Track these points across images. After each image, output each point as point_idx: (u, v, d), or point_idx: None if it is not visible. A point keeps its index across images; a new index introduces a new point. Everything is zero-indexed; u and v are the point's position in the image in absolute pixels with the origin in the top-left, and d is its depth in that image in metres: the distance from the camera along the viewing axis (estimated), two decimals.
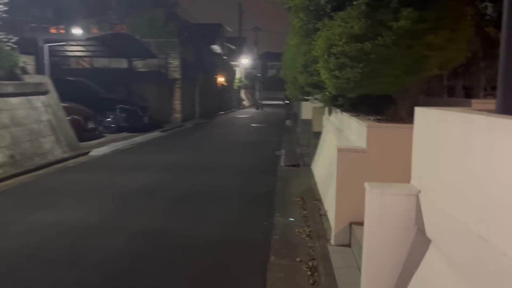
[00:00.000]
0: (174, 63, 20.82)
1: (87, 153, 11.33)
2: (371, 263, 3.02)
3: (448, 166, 2.44)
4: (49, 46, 13.94)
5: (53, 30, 20.60)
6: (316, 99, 11.91)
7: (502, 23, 2.22)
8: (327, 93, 6.50)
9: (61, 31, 20.44)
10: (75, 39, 16.08)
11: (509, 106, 2.26)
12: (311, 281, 4.20)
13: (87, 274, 4.22)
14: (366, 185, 3.09)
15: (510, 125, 1.84)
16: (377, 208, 2.98)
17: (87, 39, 15.78)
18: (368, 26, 4.35)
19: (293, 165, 10.13)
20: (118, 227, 5.63)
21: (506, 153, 1.86)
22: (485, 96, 5.34)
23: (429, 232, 2.68)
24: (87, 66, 21.11)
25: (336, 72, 4.78)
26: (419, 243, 2.84)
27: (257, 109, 27.79)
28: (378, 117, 5.23)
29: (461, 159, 2.26)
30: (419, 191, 2.91)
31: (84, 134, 13.02)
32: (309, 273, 4.37)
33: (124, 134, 15.30)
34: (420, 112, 2.98)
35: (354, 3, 4.65)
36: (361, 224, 4.76)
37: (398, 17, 4.21)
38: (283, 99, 27.97)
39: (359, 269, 4.24)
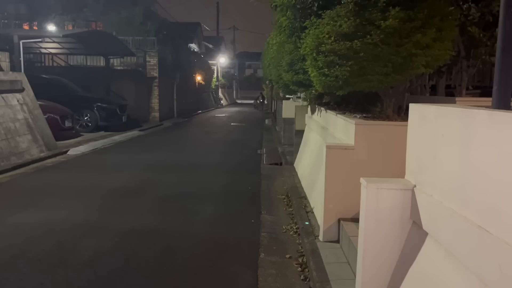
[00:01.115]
0: (152, 61, 20.57)
1: (65, 152, 11.07)
2: (368, 256, 3.07)
3: (447, 160, 2.51)
4: (23, 42, 13.55)
5: (26, 27, 20.05)
6: (298, 97, 12.02)
7: (498, 23, 2.29)
8: (313, 91, 6.56)
9: (34, 27, 19.93)
10: (52, 35, 15.68)
11: (504, 103, 2.35)
12: (302, 277, 4.23)
13: (77, 273, 4.14)
14: (362, 180, 3.14)
15: (511, 118, 1.92)
16: (373, 203, 3.03)
17: (64, 36, 15.41)
18: (357, 25, 4.42)
19: (276, 164, 10.18)
20: (105, 227, 5.53)
21: (508, 145, 1.93)
22: (466, 95, 5.50)
23: (426, 225, 2.74)
24: (62, 64, 20.62)
25: (325, 70, 4.83)
26: (415, 237, 2.90)
27: (255, 108, 29.57)
28: (365, 115, 5.32)
29: (461, 152, 2.33)
30: (415, 186, 2.98)
31: (61, 133, 12.75)
32: (299, 269, 4.41)
33: (102, 133, 15.05)
34: (415, 109, 3.04)
35: (342, 1, 4.72)
36: (349, 220, 4.86)
37: (387, 16, 4.29)
38: (255, 98, 27.27)
39: (349, 264, 4.30)
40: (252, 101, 36.82)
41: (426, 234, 2.76)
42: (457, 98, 4.96)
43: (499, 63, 2.34)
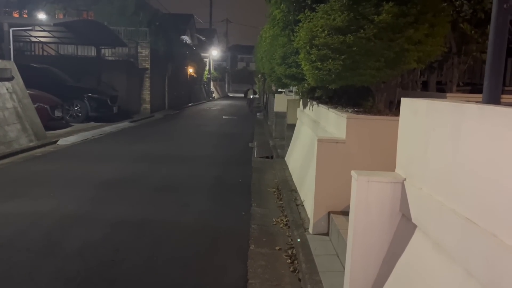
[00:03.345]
0: (144, 52, 20.40)
1: (54, 142, 10.98)
2: (357, 249, 3.10)
3: (437, 154, 2.54)
4: (13, 31, 13.33)
5: (15, 15, 19.75)
6: (291, 91, 12.03)
7: (490, 20, 2.31)
8: (305, 84, 6.57)
9: (24, 15, 19.63)
10: (42, 24, 15.45)
11: (495, 98, 2.38)
12: (291, 268, 4.27)
13: (67, 264, 4.12)
14: (353, 173, 3.16)
15: (502, 113, 1.94)
16: (363, 195, 3.06)
17: (55, 25, 15.20)
18: (351, 19, 4.43)
19: (267, 157, 10.20)
20: (96, 217, 5.51)
21: (497, 139, 1.96)
22: (457, 91, 5.54)
23: (415, 218, 2.78)
24: (52, 53, 20.36)
25: (318, 63, 4.84)
26: (404, 229, 2.94)
27: (249, 107, 24.75)
28: (356, 109, 5.34)
29: (452, 146, 2.36)
30: (405, 179, 3.01)
31: (50, 123, 12.63)
32: (289, 261, 4.44)
33: (93, 123, 14.94)
34: (406, 103, 3.07)
35: None
36: (339, 213, 4.90)
37: (380, 11, 4.31)
38: (245, 92, 26.03)
39: (338, 256, 4.34)
40: (257, 96, 33.58)
41: (415, 226, 2.80)
42: (447, 94, 5.01)
43: (490, 59, 2.36)
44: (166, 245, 4.70)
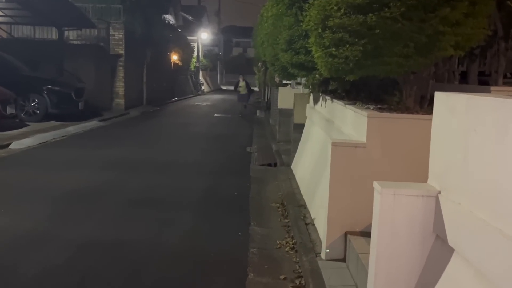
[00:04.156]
0: (117, 35, 20.46)
1: (7, 145, 10.99)
2: (381, 278, 3.10)
3: (480, 160, 2.55)
4: None
5: None
6: (298, 84, 12.06)
7: None
8: (317, 75, 6.59)
9: None
10: None
11: None
12: None
13: None
14: (376, 184, 3.17)
15: None
16: (388, 212, 3.07)
17: (7, 1, 15.24)
18: None
19: (269, 164, 10.22)
20: (57, 237, 5.52)
21: None
22: (504, 84, 5.57)
23: (452, 240, 2.78)
24: (4, 35, 20.38)
25: (332, 49, 4.86)
26: (439, 254, 2.95)
27: (245, 107, 22.75)
28: (380, 106, 5.36)
29: (498, 151, 2.37)
30: (439, 192, 3.02)
31: (1, 121, 12.65)
32: None
33: (53, 123, 14.96)
34: (441, 98, 3.08)
35: None
36: (358, 234, 4.91)
37: None
38: (235, 85, 24.69)
39: (357, 287, 4.35)
40: (256, 89, 31.42)
41: (452, 250, 2.80)
42: (492, 88, 5.02)
43: None
44: (144, 273, 4.69)
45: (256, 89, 30.33)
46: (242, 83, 22.76)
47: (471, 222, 2.58)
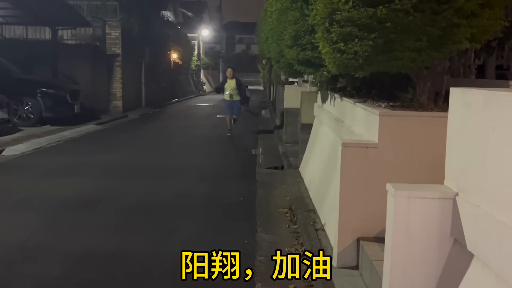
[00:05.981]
0: (114, 33, 20.50)
1: None
2: (396, 286, 3.09)
3: (499, 160, 2.54)
4: None
5: None
6: (305, 81, 12.06)
7: None
8: (325, 72, 6.59)
9: None
10: None
11: None
12: None
13: None
14: (389, 186, 3.16)
15: None
16: (403, 216, 3.06)
17: None
18: None
19: (276, 167, 10.22)
20: (53, 248, 5.53)
21: None
22: None
23: (472, 244, 2.77)
24: None
25: (341, 44, 4.85)
26: (457, 259, 2.94)
27: (245, 109, 22.66)
28: (392, 103, 5.35)
29: None
30: (457, 194, 3.01)
31: None
32: None
33: (48, 127, 15.02)
34: (457, 94, 3.07)
35: None
36: (371, 239, 4.90)
37: None
38: (219, 84, 24.10)
39: None
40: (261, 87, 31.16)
41: (472, 255, 2.79)
42: (511, 82, 5.00)
43: None
44: (145, 286, 4.69)
45: (261, 87, 30.26)
46: (230, 82, 15.21)
47: (491, 225, 2.57)
